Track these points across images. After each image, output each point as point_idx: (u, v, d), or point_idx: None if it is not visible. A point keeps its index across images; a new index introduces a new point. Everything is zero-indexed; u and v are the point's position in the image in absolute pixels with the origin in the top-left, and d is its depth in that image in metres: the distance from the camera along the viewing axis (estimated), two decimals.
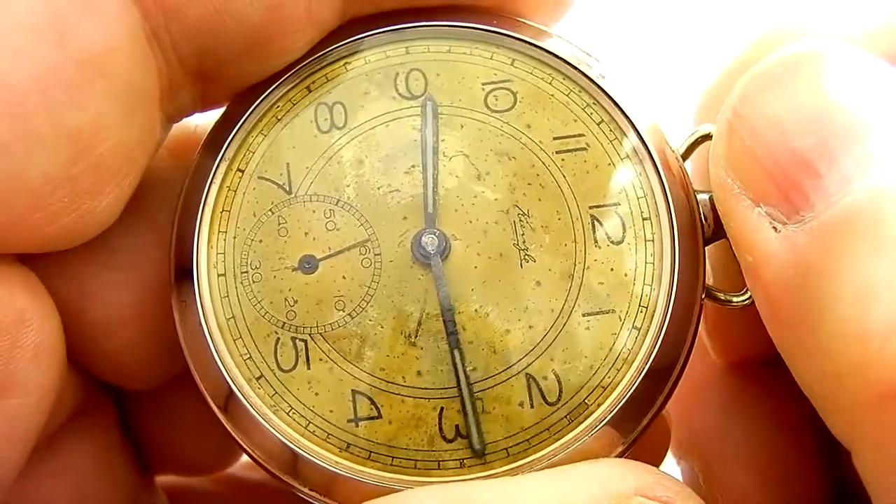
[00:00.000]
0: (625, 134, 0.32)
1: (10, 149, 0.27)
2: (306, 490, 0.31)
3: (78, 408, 0.35)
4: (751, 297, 0.31)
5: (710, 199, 0.32)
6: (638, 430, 0.31)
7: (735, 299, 0.32)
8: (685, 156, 0.33)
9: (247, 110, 0.32)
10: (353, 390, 0.31)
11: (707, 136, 0.33)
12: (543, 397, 0.30)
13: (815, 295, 0.25)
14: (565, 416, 0.30)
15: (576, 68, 0.32)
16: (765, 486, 0.34)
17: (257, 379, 0.31)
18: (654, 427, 0.30)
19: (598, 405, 0.30)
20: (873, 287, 0.24)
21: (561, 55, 0.32)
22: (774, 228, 0.26)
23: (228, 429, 0.31)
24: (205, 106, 0.33)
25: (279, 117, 0.32)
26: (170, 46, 0.30)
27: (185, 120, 0.34)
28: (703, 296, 0.31)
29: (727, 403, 0.35)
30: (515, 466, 0.30)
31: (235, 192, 0.32)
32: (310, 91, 0.33)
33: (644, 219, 0.31)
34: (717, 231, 0.32)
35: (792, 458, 0.34)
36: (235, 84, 0.32)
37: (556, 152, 0.32)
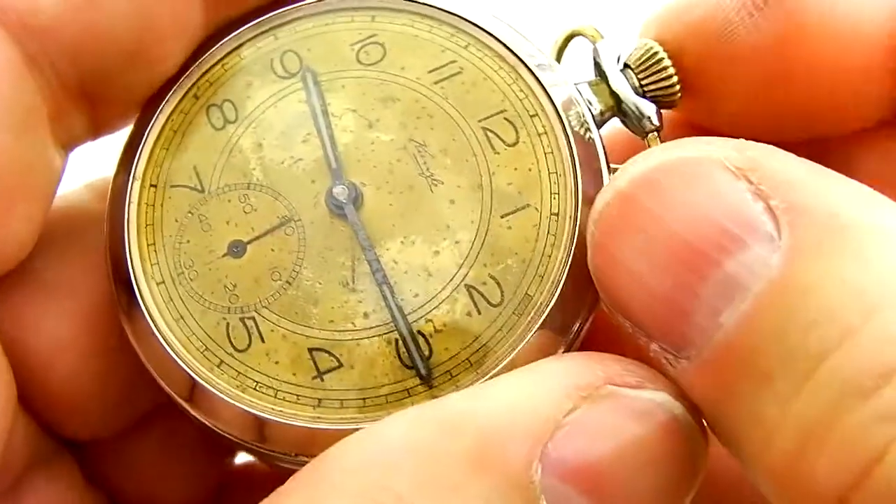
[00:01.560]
0: (491, 48, 0.34)
1: None
2: (291, 455, 0.31)
3: (34, 458, 0.34)
4: None
5: (588, 83, 0.34)
6: (583, 313, 0.32)
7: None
8: (559, 58, 0.35)
9: (145, 129, 0.34)
10: (309, 349, 0.32)
11: (573, 34, 0.35)
12: (488, 301, 0.32)
13: (721, 429, 0.26)
14: (514, 312, 0.31)
15: (432, 6, 0.35)
16: None
17: (218, 366, 0.32)
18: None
19: (542, 294, 0.31)
20: (766, 423, 0.25)
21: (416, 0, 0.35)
22: (671, 365, 0.27)
23: (202, 419, 0.32)
24: (98, 131, 0.34)
25: (175, 129, 0.34)
26: (49, 68, 0.31)
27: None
28: (609, 170, 0.33)
29: None
30: (474, 377, 0.31)
31: (153, 206, 0.34)
32: (197, 98, 0.35)
33: (531, 116, 0.33)
34: (603, 112, 0.34)
35: None
36: (124, 102, 0.34)
37: (435, 83, 0.34)
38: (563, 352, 0.32)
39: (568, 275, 0.31)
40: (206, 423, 0.32)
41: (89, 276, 0.34)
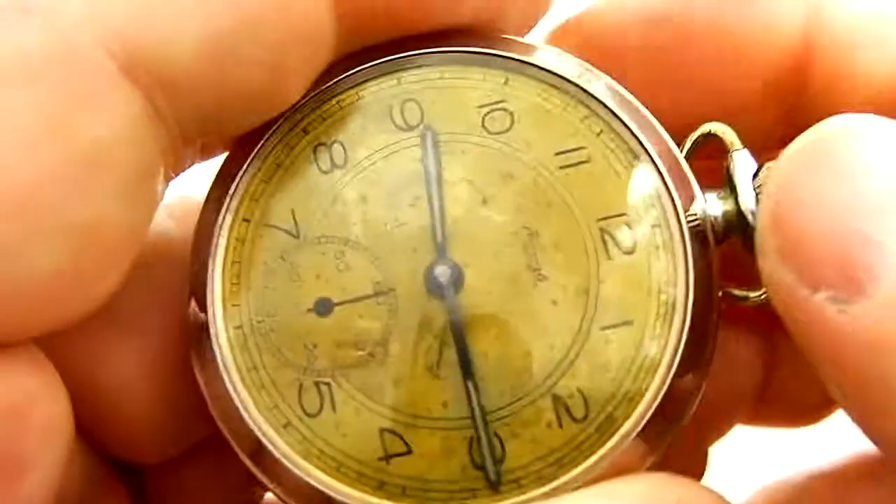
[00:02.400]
0: (625, 142, 0.32)
1: (13, 249, 0.27)
2: None
3: (88, 489, 0.34)
4: (766, 293, 0.30)
5: (718, 196, 0.32)
6: (668, 439, 0.30)
7: (752, 295, 0.32)
8: (689, 157, 0.33)
9: (246, 160, 0.32)
10: (380, 428, 0.31)
11: (710, 135, 0.33)
12: (570, 415, 0.30)
13: (892, 362, 0.25)
14: (595, 431, 0.30)
15: (568, 81, 0.32)
16: None
17: (284, 427, 0.31)
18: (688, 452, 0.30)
19: (626, 417, 0.30)
20: None
21: (552, 69, 0.32)
22: (841, 311, 0.26)
23: (261, 478, 0.31)
24: (203, 158, 0.33)
25: (279, 163, 0.33)
26: (174, 122, 0.29)
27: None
28: (720, 295, 0.31)
29: None
30: (543, 491, 0.30)
31: (244, 242, 0.32)
32: (306, 133, 0.33)
33: (653, 226, 0.31)
34: (727, 229, 0.32)
35: None
36: (234, 134, 0.32)
37: (559, 167, 0.32)
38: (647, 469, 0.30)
39: (660, 402, 0.30)
40: (263, 480, 0.31)
41: (163, 312, 0.33)
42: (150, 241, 0.32)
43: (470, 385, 0.31)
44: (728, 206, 0.32)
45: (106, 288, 0.30)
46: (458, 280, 0.31)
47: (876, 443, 0.27)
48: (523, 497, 0.30)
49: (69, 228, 0.28)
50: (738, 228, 0.32)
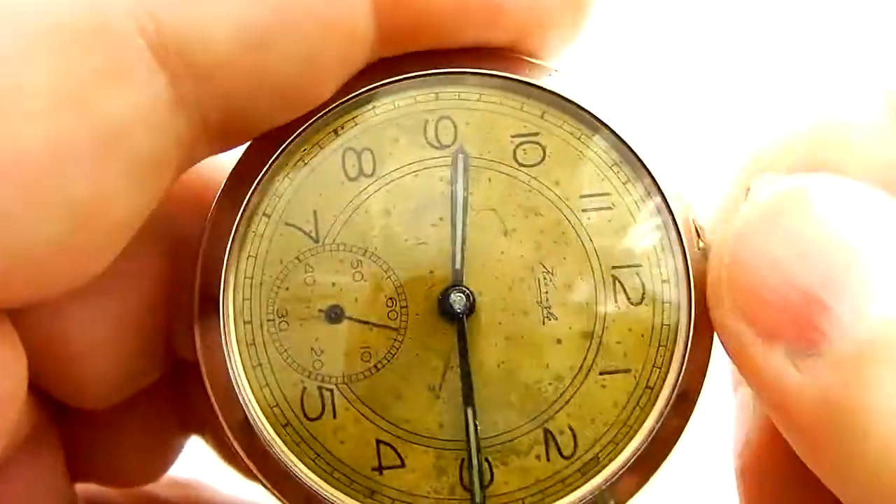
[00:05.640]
0: (650, 195, 0.32)
1: (11, 215, 0.26)
2: None
3: (23, 425, 0.34)
4: None
5: None
6: (652, 475, 0.32)
7: None
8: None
9: (273, 154, 0.32)
10: (377, 440, 0.32)
11: None
12: (559, 451, 0.32)
13: (847, 428, 0.26)
14: (578, 470, 0.32)
15: (605, 125, 0.32)
16: None
17: (284, 426, 0.32)
18: None
19: (610, 461, 0.32)
20: None
21: (591, 111, 0.32)
22: (795, 366, 0.27)
23: (256, 475, 0.32)
24: (220, 151, 0.32)
25: (306, 161, 0.32)
26: (196, 110, 0.28)
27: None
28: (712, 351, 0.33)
29: None
30: None
31: (261, 237, 0.32)
32: (338, 135, 0.32)
33: (663, 281, 0.32)
34: None
35: None
36: (258, 132, 0.31)
37: (583, 210, 0.32)
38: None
39: (641, 452, 0.32)
40: (256, 473, 0.32)
41: (134, 280, 0.33)
42: None
43: (469, 411, 0.32)
44: None
45: (97, 266, 0.29)
46: (470, 308, 0.32)
47: (838, 495, 0.29)
48: None
49: (72, 203, 0.27)
50: None
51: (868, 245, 0.27)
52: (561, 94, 0.32)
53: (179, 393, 0.39)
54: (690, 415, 0.33)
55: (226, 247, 0.32)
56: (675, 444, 0.33)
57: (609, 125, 0.32)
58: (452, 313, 0.32)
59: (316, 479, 0.32)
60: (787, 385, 0.28)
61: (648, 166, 0.32)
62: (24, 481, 0.35)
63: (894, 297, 0.26)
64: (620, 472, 0.32)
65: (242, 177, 0.32)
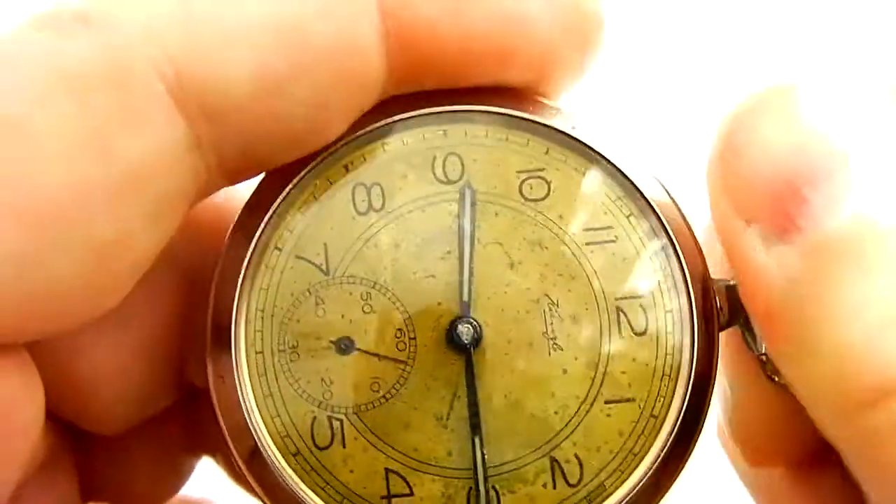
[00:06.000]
0: (653, 229, 0.33)
1: (35, 258, 0.27)
2: None
3: (45, 459, 0.35)
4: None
5: (726, 287, 0.34)
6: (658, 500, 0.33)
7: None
8: None
9: (284, 189, 0.33)
10: (386, 469, 0.32)
11: None
12: (565, 479, 0.33)
13: (807, 318, 0.27)
14: (584, 498, 0.33)
15: (607, 160, 0.33)
16: None
17: (294, 455, 0.32)
18: None
19: (616, 489, 0.33)
20: (858, 307, 0.27)
21: (594, 147, 0.33)
22: (765, 247, 0.29)
23: (262, 496, 0.33)
24: (234, 183, 0.33)
25: (317, 196, 0.33)
26: (212, 151, 0.29)
27: None
28: (715, 377, 0.34)
29: None
30: None
31: (273, 270, 0.33)
32: (347, 171, 0.33)
33: (666, 311, 0.33)
34: (730, 319, 0.34)
35: None
36: (271, 167, 0.32)
37: (587, 244, 0.33)
38: None
39: (647, 479, 0.32)
40: (264, 498, 0.33)
41: (150, 309, 0.34)
42: None
43: (476, 440, 0.32)
44: (733, 296, 0.34)
45: (113, 300, 0.30)
46: (477, 339, 0.33)
47: (791, 383, 0.30)
48: None
49: (93, 244, 0.28)
50: (741, 318, 0.34)
51: (854, 144, 0.28)
52: (565, 131, 0.33)
53: (191, 417, 0.40)
54: (695, 442, 0.33)
55: (238, 279, 0.32)
56: (680, 471, 0.33)
57: (612, 161, 0.33)
58: (460, 344, 0.32)
59: None
60: (759, 268, 0.29)
61: (651, 201, 0.33)
62: None
63: (870, 197, 0.27)
64: (626, 500, 0.32)
65: (255, 210, 0.33)
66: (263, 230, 0.33)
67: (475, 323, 0.33)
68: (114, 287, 0.30)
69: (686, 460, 0.33)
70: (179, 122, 0.28)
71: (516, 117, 0.33)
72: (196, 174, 0.29)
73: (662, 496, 0.33)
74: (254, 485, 0.33)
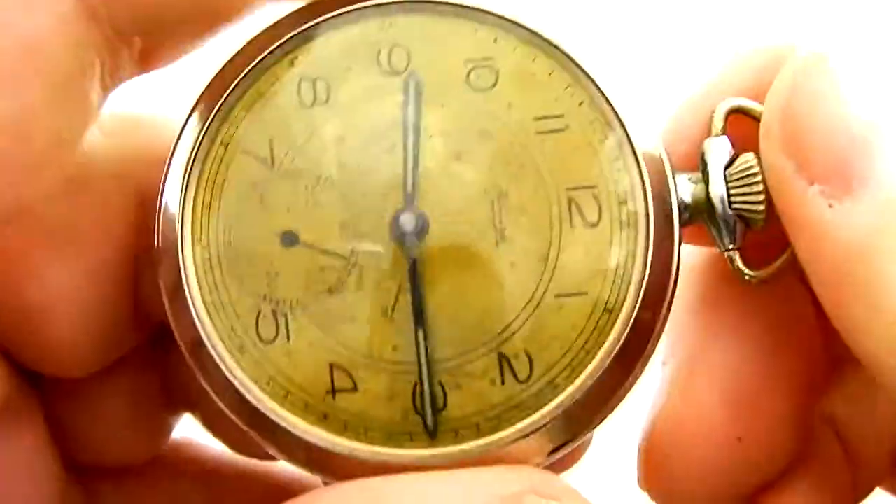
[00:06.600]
0: (604, 116, 0.32)
1: None
2: (284, 457, 0.32)
3: (3, 403, 0.34)
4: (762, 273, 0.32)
5: (690, 179, 0.33)
6: (604, 414, 0.32)
7: (751, 273, 0.33)
8: (724, 130, 0.33)
9: (230, 84, 0.33)
10: (331, 363, 0.32)
11: (738, 109, 0.33)
12: (515, 375, 0.31)
13: (873, 275, 0.26)
14: (534, 394, 0.31)
15: (557, 48, 0.32)
16: (730, 417, 0.34)
17: (239, 350, 0.32)
18: None
19: (567, 386, 0.31)
20: None
21: (543, 35, 0.32)
22: (830, 205, 0.27)
23: (207, 388, 0.32)
24: (143, 71, 0.33)
25: (262, 92, 0.33)
26: (108, 23, 0.29)
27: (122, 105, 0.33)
28: (674, 283, 0.32)
29: (714, 322, 0.35)
30: (479, 444, 0.31)
31: (219, 165, 0.33)
32: (293, 65, 0.33)
33: (620, 202, 0.32)
34: (694, 213, 0.33)
35: (762, 395, 0.34)
36: (178, 46, 0.32)
37: (537, 133, 0.32)
38: (567, 448, 0.32)
39: (601, 376, 0.31)
40: (210, 391, 0.32)
41: (97, 228, 0.33)
42: (84, 157, 0.32)
43: (420, 333, 0.31)
44: (698, 190, 0.32)
45: (31, 190, 0.30)
46: (422, 229, 0.32)
47: (857, 355, 0.28)
48: (458, 448, 0.31)
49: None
50: (705, 213, 0.32)
51: None
52: (514, 20, 0.32)
53: (167, 373, 0.40)
54: (654, 341, 0.32)
55: (185, 174, 0.32)
56: (638, 371, 0.32)
57: (562, 48, 0.32)
58: (404, 234, 0.32)
59: (271, 403, 0.32)
60: (822, 225, 0.28)
61: (601, 87, 0.32)
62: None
63: None
64: (578, 398, 0.31)
65: (199, 112, 0.33)
66: (209, 125, 0.33)
67: (419, 212, 0.32)
68: (25, 171, 0.29)
69: (644, 360, 0.32)
70: None
71: (464, 6, 0.32)
72: (97, 50, 0.29)
73: (620, 397, 0.32)
74: (199, 378, 0.32)
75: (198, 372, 0.32)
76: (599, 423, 0.32)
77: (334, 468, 0.32)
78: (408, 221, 0.32)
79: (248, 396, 0.32)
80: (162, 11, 0.30)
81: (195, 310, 0.32)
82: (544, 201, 0.32)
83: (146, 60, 0.32)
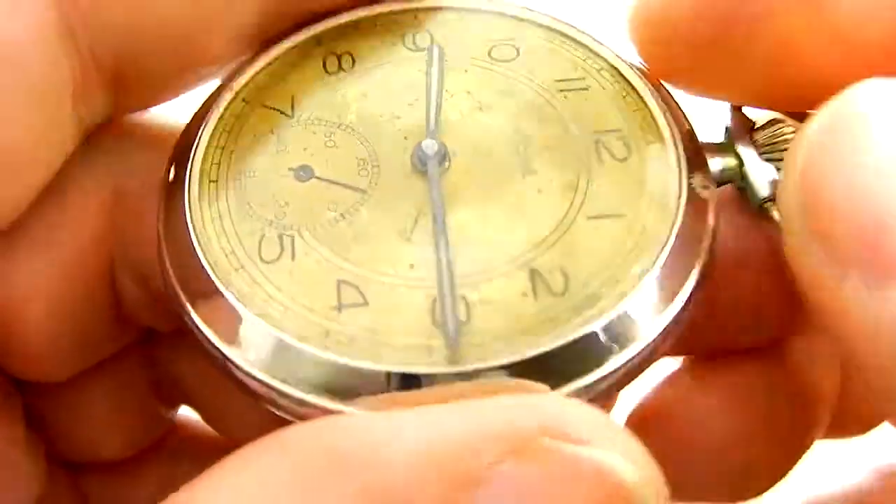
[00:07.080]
0: (624, 77, 0.32)
1: None
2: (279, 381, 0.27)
3: None
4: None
5: (718, 145, 0.32)
6: (655, 332, 0.27)
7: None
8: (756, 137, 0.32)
9: (258, 56, 0.33)
10: (339, 280, 0.28)
11: (777, 121, 0.32)
12: (549, 288, 0.28)
13: None
14: (572, 307, 0.27)
15: (576, 28, 0.34)
16: None
17: (237, 270, 0.29)
18: None
19: (609, 297, 0.27)
20: None
21: (559, 27, 0.34)
22: (870, 295, 0.25)
23: (196, 321, 0.28)
24: (118, 113, 0.33)
25: (287, 62, 0.33)
26: (85, 45, 0.29)
27: None
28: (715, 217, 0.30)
29: None
30: (504, 363, 0.26)
31: (238, 117, 0.32)
32: (319, 44, 0.34)
33: (648, 143, 0.31)
34: (723, 171, 0.32)
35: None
36: (153, 89, 0.32)
37: (559, 91, 0.32)
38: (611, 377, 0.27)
39: (646, 292, 0.27)
40: (198, 324, 0.28)
41: (72, 227, 0.32)
42: (59, 161, 0.31)
43: (442, 246, 0.28)
44: (728, 160, 0.32)
45: (5, 197, 0.29)
46: (443, 157, 0.30)
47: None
48: (483, 365, 0.26)
49: None
50: (735, 172, 0.32)
51: None
52: (531, 9, 0.34)
53: (157, 365, 0.37)
54: (695, 264, 0.29)
55: (201, 125, 0.32)
56: (680, 291, 0.28)
57: (580, 29, 0.34)
58: (425, 159, 0.30)
59: (267, 318, 0.27)
60: (864, 316, 0.25)
61: (620, 54, 0.33)
62: None
63: None
64: (621, 313, 0.27)
65: (229, 76, 0.33)
66: (231, 85, 0.33)
67: (441, 142, 0.31)
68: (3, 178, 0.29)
69: (688, 283, 0.28)
70: (49, 9, 0.29)
71: (485, 8, 0.35)
72: (72, 70, 0.29)
73: (667, 315, 0.28)
74: (195, 318, 0.28)
75: (184, 297, 0.28)
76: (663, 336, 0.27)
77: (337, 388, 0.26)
78: (429, 146, 0.30)
79: (242, 315, 0.28)
80: (137, 38, 0.30)
81: (194, 231, 0.29)
82: (570, 142, 0.31)
83: (119, 108, 0.32)
